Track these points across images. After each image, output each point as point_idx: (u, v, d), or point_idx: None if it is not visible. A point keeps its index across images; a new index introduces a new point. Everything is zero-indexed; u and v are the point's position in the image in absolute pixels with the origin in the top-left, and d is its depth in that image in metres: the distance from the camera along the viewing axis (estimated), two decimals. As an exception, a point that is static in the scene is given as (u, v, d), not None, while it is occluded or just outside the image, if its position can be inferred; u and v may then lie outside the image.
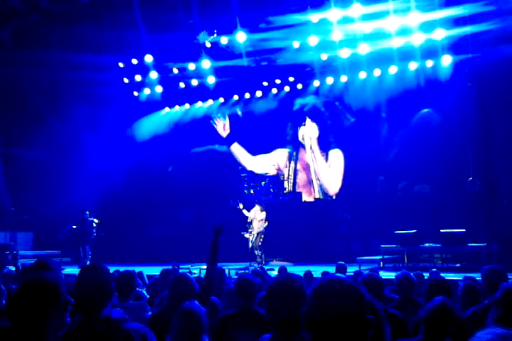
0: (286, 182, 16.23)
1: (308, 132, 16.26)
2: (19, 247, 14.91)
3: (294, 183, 16.38)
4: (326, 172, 15.79)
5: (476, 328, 3.24)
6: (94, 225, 13.99)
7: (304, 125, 16.30)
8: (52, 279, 2.23)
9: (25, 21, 13.44)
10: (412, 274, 4.78)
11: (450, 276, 7.34)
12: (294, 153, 16.48)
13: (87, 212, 14.03)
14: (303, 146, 16.35)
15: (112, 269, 5.86)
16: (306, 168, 16.27)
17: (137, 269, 7.54)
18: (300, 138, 16.37)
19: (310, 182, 16.13)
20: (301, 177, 16.33)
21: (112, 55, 14.26)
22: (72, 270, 9.55)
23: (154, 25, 13.08)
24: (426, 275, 6.24)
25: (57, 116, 16.77)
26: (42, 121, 16.38)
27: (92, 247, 13.90)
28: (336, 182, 15.60)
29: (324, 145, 16.01)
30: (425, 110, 14.02)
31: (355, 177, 15.06)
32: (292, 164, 16.45)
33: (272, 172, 16.27)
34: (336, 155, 15.78)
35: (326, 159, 15.90)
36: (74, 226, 14.38)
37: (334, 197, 15.65)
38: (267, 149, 16.57)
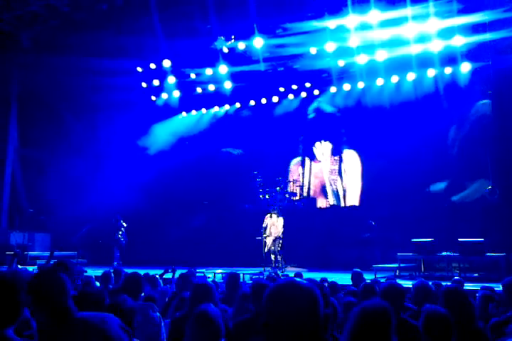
0: (299, 188, 16.22)
1: (323, 147, 16.32)
2: (37, 248, 15.07)
3: (309, 189, 16.40)
4: (344, 180, 15.80)
5: (498, 338, 3.19)
6: (122, 229, 14.28)
7: (320, 142, 16.31)
8: (10, 277, 2.30)
9: (46, 26, 13.66)
10: (430, 283, 4.69)
11: (468, 286, 7.21)
12: (307, 160, 16.56)
13: (118, 217, 14.38)
14: (314, 155, 16.44)
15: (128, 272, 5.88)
16: (321, 174, 16.28)
17: (152, 272, 7.56)
18: (314, 149, 16.44)
19: (325, 188, 16.14)
20: (317, 183, 16.34)
21: (131, 59, 14.42)
22: (89, 271, 9.60)
23: (172, 30, 13.22)
24: (444, 284, 6.13)
25: (76, 119, 16.99)
26: (61, 124, 16.61)
27: (119, 250, 14.19)
28: (355, 188, 15.56)
29: (336, 148, 16.05)
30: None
31: (370, 184, 14.95)
32: (306, 171, 16.51)
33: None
34: (351, 156, 15.77)
35: (340, 161, 15.91)
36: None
37: (351, 204, 15.59)
38: (280, 154, 16.62)
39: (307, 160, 16.64)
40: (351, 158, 15.81)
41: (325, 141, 16.28)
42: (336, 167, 16.03)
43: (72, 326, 2.27)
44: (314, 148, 16.49)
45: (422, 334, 2.96)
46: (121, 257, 14.28)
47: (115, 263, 13.92)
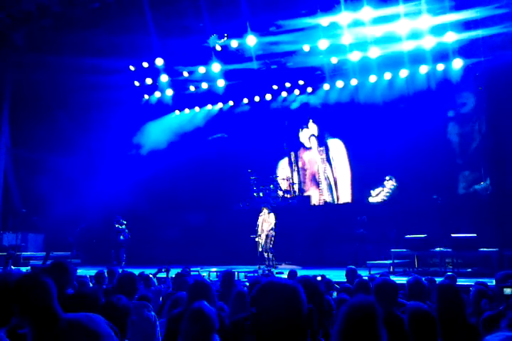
0: (292, 186, 16.31)
1: (311, 133, 16.44)
2: (30, 249, 15.00)
3: (300, 184, 16.47)
4: (334, 168, 15.94)
5: (490, 333, 3.22)
6: (123, 227, 14.26)
7: (307, 127, 16.48)
8: (2, 279, 2.39)
9: (38, 25, 13.58)
10: (423, 279, 4.72)
11: (461, 281, 7.26)
12: (293, 156, 16.66)
13: (117, 217, 14.37)
14: (304, 146, 16.51)
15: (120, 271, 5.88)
16: (310, 167, 16.39)
17: (146, 271, 7.57)
18: (302, 139, 16.54)
19: (318, 182, 16.23)
20: (308, 175, 16.46)
21: (123, 58, 14.36)
22: (83, 271, 9.59)
23: (165, 28, 13.17)
24: (437, 280, 6.18)
25: (69, 118, 16.89)
26: (54, 123, 16.50)
27: (121, 250, 14.20)
28: (345, 180, 15.66)
29: (321, 140, 16.26)
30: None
31: (364, 181, 15.01)
32: (295, 167, 16.63)
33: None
34: (336, 145, 15.94)
35: (327, 151, 16.04)
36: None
37: (343, 201, 15.67)
38: (273, 152, 16.69)
39: (293, 157, 16.71)
40: (337, 147, 15.96)
41: (313, 122, 16.43)
42: (324, 156, 16.15)
43: (61, 328, 2.27)
44: (300, 133, 16.58)
45: (407, 332, 2.98)
46: (117, 257, 14.21)
47: (123, 263, 13.92)
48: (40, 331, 2.26)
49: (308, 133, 16.62)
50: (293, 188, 16.31)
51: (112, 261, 13.92)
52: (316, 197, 16.14)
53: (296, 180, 16.56)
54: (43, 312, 2.29)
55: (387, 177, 14.21)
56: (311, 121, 16.52)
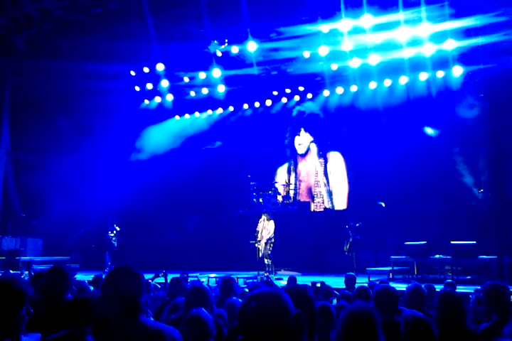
0: (292, 192, 16.30)
1: (304, 141, 16.44)
2: (29, 253, 14.96)
3: (296, 193, 16.46)
4: (331, 180, 15.91)
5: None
6: (115, 232, 14.23)
7: (299, 135, 16.52)
8: (20, 285, 2.37)
9: (39, 30, 13.62)
10: (423, 286, 4.71)
11: (461, 289, 7.24)
12: (292, 164, 16.67)
13: (110, 221, 14.33)
14: (300, 155, 16.54)
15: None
16: (307, 176, 16.37)
17: (145, 277, 7.53)
18: (298, 146, 16.55)
19: (313, 196, 16.20)
20: (303, 187, 16.43)
21: (124, 63, 14.40)
22: (82, 276, 9.55)
23: (166, 34, 13.22)
24: (437, 287, 6.16)
25: (69, 123, 16.91)
26: (54, 128, 16.52)
27: (112, 254, 14.16)
28: (342, 189, 15.64)
29: (322, 150, 16.27)
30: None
31: (362, 187, 14.98)
32: (292, 173, 16.64)
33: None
34: (336, 158, 15.95)
35: (326, 162, 16.04)
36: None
37: (343, 208, 15.65)
38: (273, 158, 16.69)
39: (292, 163, 16.75)
40: (336, 160, 15.96)
41: (305, 131, 16.46)
42: (322, 168, 16.17)
43: (137, 328, 2.19)
44: (296, 140, 16.63)
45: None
46: (113, 262, 14.19)
47: (107, 269, 13.82)
48: (117, 325, 2.18)
49: (305, 140, 16.61)
50: (289, 194, 16.32)
51: (110, 266, 13.88)
52: (311, 206, 16.15)
53: (292, 186, 16.56)
54: (131, 306, 2.20)
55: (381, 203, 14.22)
56: (302, 129, 16.58)
